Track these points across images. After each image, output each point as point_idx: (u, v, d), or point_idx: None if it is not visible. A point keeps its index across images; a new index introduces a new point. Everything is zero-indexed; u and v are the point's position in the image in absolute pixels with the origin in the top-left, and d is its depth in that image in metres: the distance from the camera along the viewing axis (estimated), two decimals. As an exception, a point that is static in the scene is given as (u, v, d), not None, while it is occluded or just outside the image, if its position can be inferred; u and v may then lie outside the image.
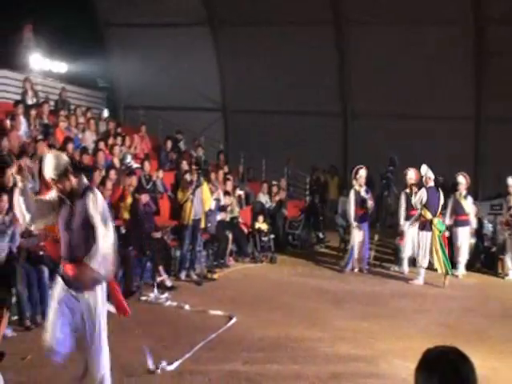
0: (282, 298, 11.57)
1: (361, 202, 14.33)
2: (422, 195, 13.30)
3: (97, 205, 5.47)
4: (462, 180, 14.70)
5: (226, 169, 17.00)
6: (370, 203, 14.38)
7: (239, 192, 16.05)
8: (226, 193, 15.25)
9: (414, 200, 13.52)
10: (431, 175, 13.49)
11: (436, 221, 13.14)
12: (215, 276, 13.07)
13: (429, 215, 13.16)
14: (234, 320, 9.52)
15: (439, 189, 13.59)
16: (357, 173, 14.42)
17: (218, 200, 14.61)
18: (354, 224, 14.21)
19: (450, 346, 2.72)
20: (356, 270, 14.34)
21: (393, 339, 8.90)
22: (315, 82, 21.85)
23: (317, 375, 7.43)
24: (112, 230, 5.55)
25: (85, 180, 5.75)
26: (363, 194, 14.33)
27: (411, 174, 14.57)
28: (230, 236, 14.53)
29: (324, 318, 10.11)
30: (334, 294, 12.15)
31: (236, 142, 22.70)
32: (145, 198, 12.27)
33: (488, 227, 16.05)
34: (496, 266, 14.95)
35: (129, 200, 12.37)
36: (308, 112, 22.17)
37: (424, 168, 13.54)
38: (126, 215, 12.21)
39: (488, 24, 20.33)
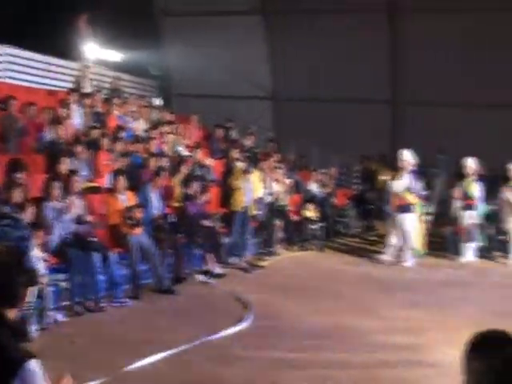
0: (331, 286, 11.58)
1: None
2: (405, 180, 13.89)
3: None
4: (472, 163, 14.75)
5: (276, 157, 17.01)
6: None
7: (288, 180, 16.05)
8: (276, 181, 15.30)
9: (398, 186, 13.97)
10: (411, 160, 13.91)
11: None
12: (264, 263, 13.14)
13: (411, 199, 13.71)
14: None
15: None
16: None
17: (267, 188, 14.66)
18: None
19: (497, 329, 2.72)
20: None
21: (442, 328, 8.86)
22: (365, 69, 21.73)
23: (365, 363, 7.46)
24: None
25: None
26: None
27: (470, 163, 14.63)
28: (279, 224, 14.57)
29: (372, 307, 10.09)
30: (383, 282, 12.10)
31: (286, 131, 22.66)
32: (196, 186, 12.38)
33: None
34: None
35: (178, 189, 12.51)
36: (358, 99, 22.05)
37: (405, 153, 14.02)
38: (176, 203, 12.35)
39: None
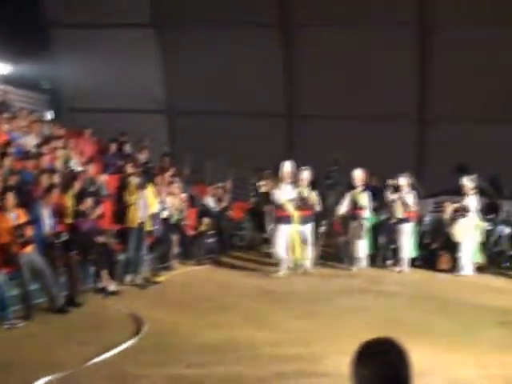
0: (227, 299, 11.63)
1: (303, 203, 14.49)
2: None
3: None
4: (404, 181, 15.11)
5: (171, 171, 16.92)
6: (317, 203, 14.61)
7: (184, 194, 15.99)
8: (172, 195, 15.20)
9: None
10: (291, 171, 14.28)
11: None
12: (160, 279, 13.04)
13: (290, 209, 14.02)
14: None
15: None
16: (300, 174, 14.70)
17: (162, 203, 14.56)
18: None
19: (384, 337, 2.77)
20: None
21: (336, 337, 9.02)
22: (261, 83, 21.98)
23: (260, 376, 7.51)
24: None
25: None
26: (306, 194, 14.50)
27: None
28: (175, 238, 14.51)
29: (268, 319, 10.18)
30: (278, 293, 12.25)
31: (181, 144, 22.64)
32: (88, 202, 12.17)
33: (428, 224, 16.40)
34: (438, 262, 15.32)
35: (71, 204, 12.27)
36: (254, 113, 22.27)
37: (286, 164, 14.28)
38: (69, 220, 12.10)
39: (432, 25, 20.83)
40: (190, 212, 16.27)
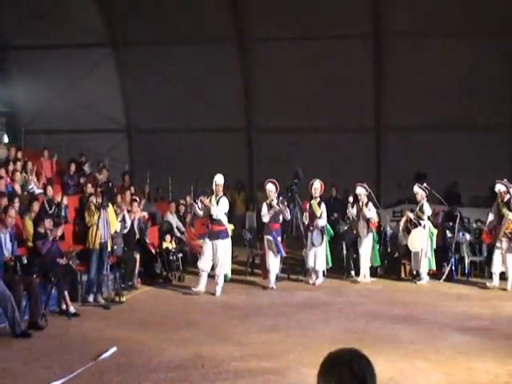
0: (191, 316, 11.59)
1: (275, 216, 14.53)
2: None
3: None
4: (362, 190, 15.20)
5: (131, 190, 16.87)
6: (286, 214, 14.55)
7: (145, 213, 15.92)
8: (133, 214, 15.11)
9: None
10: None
11: None
12: (123, 299, 12.94)
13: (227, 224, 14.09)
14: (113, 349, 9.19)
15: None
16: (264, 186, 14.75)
17: (123, 221, 14.47)
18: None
19: (348, 347, 2.78)
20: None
21: (302, 349, 9.05)
22: (220, 99, 22.06)
23: (227, 391, 7.50)
24: None
25: None
26: (277, 207, 14.47)
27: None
28: (138, 257, 14.42)
29: (233, 334, 10.18)
30: (242, 308, 12.27)
31: (142, 162, 22.60)
32: (48, 223, 12.05)
33: (390, 233, 16.57)
34: (399, 271, 15.50)
35: (31, 227, 12.14)
36: (214, 129, 22.32)
37: (217, 177, 13.98)
38: (29, 243, 11.97)
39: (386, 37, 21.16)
40: (151, 230, 16.20)
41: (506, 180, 14.48)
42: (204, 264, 13.73)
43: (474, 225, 17.36)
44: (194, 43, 22.04)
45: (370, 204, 15.36)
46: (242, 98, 22.84)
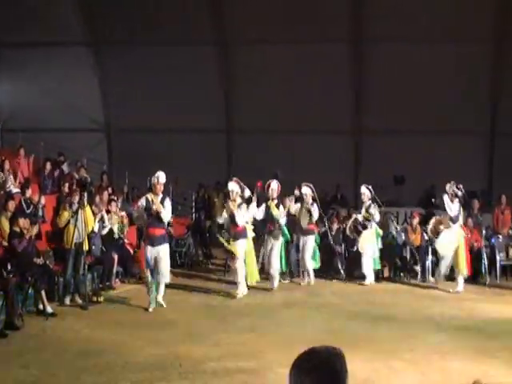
0: (169, 316, 11.58)
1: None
2: None
3: None
4: (307, 190, 14.90)
5: (110, 190, 16.80)
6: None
7: (123, 212, 15.86)
8: (111, 213, 15.05)
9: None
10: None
11: None
12: (101, 299, 12.89)
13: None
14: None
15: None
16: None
17: (102, 221, 14.42)
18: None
19: (323, 345, 2.78)
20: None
21: (279, 349, 9.05)
22: (199, 100, 22.05)
23: (204, 391, 7.51)
24: None
25: None
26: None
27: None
28: (116, 257, 14.38)
29: (211, 334, 10.19)
30: (221, 309, 12.29)
31: (121, 162, 22.52)
32: (24, 222, 11.98)
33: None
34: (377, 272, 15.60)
35: (7, 226, 12.07)
36: (193, 129, 22.31)
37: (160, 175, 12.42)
38: (5, 242, 11.90)
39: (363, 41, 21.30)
40: (130, 230, 16.15)
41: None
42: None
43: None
44: (174, 44, 22.03)
45: (315, 205, 14.98)
46: (221, 99, 22.88)
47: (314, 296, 13.53)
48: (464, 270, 14.15)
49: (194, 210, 20.68)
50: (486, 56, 20.67)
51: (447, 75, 20.57)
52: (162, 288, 12.29)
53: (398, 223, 17.60)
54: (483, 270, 15.17)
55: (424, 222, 16.13)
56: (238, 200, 13.65)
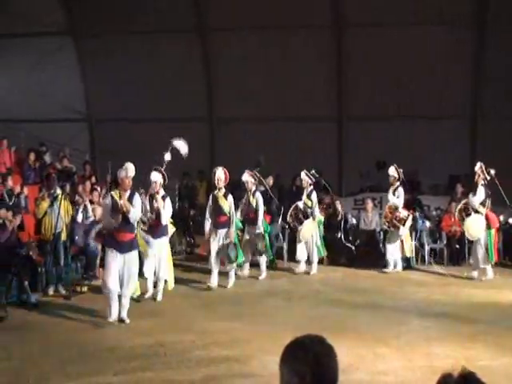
0: (153, 305, 11.57)
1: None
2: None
3: None
4: (249, 178, 14.35)
5: (92, 179, 16.71)
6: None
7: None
8: (94, 203, 14.96)
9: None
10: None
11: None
12: (84, 289, 12.84)
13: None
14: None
15: None
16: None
17: (85, 211, 14.31)
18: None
19: (310, 334, 2.80)
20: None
21: (264, 337, 9.09)
22: (182, 89, 21.94)
23: (190, 380, 7.52)
24: None
25: None
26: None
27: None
28: (100, 247, 14.29)
29: (195, 322, 10.19)
30: (204, 297, 12.30)
31: (104, 152, 22.38)
32: (5, 213, 11.90)
33: (352, 221, 16.69)
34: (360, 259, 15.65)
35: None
36: (175, 118, 22.19)
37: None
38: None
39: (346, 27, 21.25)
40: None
41: None
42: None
43: (434, 212, 17.63)
44: (156, 32, 21.88)
45: (258, 193, 14.41)
46: (204, 88, 22.77)
47: (299, 284, 13.54)
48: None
49: (177, 199, 20.59)
50: (469, 42, 20.67)
51: (429, 61, 20.57)
52: (126, 302, 10.41)
53: (381, 208, 17.58)
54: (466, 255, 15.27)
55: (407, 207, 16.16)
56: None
